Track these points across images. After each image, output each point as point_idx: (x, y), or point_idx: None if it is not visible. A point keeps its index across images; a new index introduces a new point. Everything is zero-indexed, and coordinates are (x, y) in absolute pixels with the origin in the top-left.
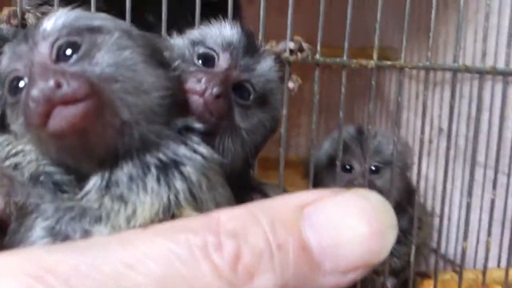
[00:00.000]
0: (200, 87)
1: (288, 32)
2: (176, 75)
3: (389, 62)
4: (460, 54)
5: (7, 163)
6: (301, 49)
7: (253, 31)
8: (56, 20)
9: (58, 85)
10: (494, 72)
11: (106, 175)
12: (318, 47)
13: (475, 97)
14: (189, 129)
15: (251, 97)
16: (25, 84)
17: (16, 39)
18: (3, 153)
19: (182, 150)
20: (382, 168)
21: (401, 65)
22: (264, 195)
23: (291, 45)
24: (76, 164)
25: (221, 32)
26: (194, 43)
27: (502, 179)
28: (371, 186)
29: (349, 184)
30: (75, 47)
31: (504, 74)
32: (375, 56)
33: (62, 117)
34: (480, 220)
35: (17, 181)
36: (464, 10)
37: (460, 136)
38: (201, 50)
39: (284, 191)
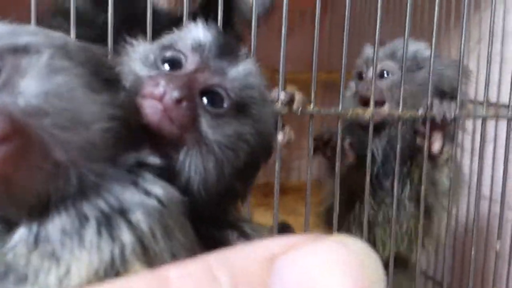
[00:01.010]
0: (158, 90)
1: (280, 82)
2: (127, 96)
3: (386, 110)
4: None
5: None
6: (292, 100)
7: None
8: None
9: None
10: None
11: (35, 227)
12: (312, 96)
13: (479, 129)
14: (142, 165)
15: (225, 104)
16: None
17: None
18: None
19: (130, 193)
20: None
21: (399, 115)
22: (243, 234)
23: (282, 96)
24: (1, 212)
25: (192, 33)
26: (163, 48)
27: (508, 215)
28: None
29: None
30: None
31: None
32: (371, 105)
33: None
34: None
35: None
36: (466, 40)
37: (464, 169)
38: (168, 53)
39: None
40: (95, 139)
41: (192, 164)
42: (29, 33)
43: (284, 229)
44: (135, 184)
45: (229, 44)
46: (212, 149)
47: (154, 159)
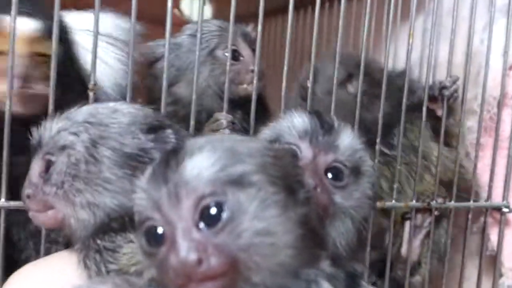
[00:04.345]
0: None
1: None
2: (306, 202)
3: None
4: None
5: (133, 269)
6: None
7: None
8: (200, 168)
9: (200, 261)
10: None
11: None
12: None
13: None
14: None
15: (345, 175)
16: (164, 239)
17: (152, 173)
18: (132, 260)
19: None
20: None
21: None
22: None
23: None
24: None
25: (293, 123)
26: (270, 142)
27: None
28: None
29: None
30: (219, 208)
31: None
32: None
33: None
34: None
35: None
36: None
37: None
38: (284, 148)
39: None
40: (285, 261)
41: (336, 231)
42: (240, 160)
43: None
44: None
45: (325, 121)
46: (349, 214)
47: (329, 268)
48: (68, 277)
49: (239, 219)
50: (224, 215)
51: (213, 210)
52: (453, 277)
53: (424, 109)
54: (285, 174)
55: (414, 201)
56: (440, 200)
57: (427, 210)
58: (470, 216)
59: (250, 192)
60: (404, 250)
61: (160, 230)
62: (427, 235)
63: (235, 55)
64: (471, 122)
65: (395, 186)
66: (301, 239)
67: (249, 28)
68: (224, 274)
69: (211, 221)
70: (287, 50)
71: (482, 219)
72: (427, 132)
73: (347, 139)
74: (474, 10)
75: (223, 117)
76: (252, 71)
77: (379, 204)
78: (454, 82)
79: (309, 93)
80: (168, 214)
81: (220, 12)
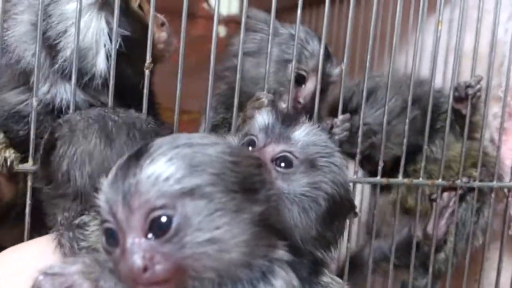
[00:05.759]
0: None
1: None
2: (266, 200)
3: None
4: None
5: (99, 245)
6: None
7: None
8: (154, 180)
9: (145, 269)
10: None
11: None
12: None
13: None
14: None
15: (294, 164)
16: (118, 242)
17: (114, 175)
18: (99, 237)
19: None
20: None
21: None
22: None
23: None
24: None
25: (257, 119)
26: (243, 136)
27: None
28: None
29: None
30: (168, 220)
31: None
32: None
33: None
34: None
35: (107, 269)
36: None
37: None
38: (246, 138)
39: None
40: (236, 258)
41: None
42: (196, 171)
43: None
44: (264, 279)
45: (288, 117)
46: (293, 200)
47: (288, 257)
48: (45, 261)
49: (185, 231)
50: (172, 227)
51: (162, 222)
52: (475, 257)
53: (450, 102)
54: (244, 177)
55: (440, 179)
56: (465, 179)
57: (454, 189)
58: (493, 195)
59: (199, 204)
60: (430, 227)
61: (114, 231)
62: (454, 214)
63: (300, 80)
64: (495, 109)
65: (422, 164)
66: (256, 236)
67: (336, 69)
68: (168, 279)
69: (159, 232)
70: (322, 43)
71: (505, 200)
72: (452, 138)
73: (303, 134)
74: (499, 1)
75: (265, 96)
76: (299, 102)
77: (407, 181)
78: (478, 82)
79: (343, 74)
80: (120, 222)
81: (251, 5)
